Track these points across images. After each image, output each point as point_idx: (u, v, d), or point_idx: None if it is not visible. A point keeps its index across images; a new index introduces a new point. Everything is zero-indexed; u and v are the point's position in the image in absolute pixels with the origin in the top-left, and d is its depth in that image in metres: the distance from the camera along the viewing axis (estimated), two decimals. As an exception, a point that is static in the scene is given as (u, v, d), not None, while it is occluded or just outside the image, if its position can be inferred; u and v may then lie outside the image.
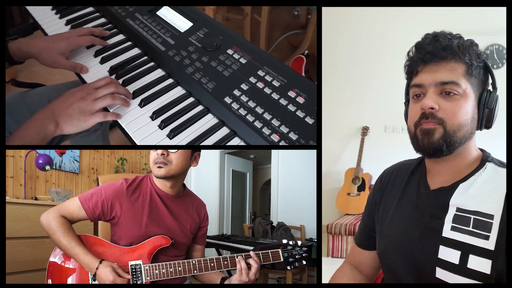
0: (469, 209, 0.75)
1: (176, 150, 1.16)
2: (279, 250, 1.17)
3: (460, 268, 0.72)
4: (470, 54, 0.77)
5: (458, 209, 0.76)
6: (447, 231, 0.76)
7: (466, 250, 0.73)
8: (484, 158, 0.80)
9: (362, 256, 1.00)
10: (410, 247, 0.81)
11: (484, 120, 0.79)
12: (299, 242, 1.20)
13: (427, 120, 0.77)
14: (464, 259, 0.72)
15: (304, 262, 1.20)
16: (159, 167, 1.15)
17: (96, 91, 1.12)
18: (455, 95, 0.76)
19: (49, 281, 1.14)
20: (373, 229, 0.96)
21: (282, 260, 1.17)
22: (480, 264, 0.71)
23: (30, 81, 1.62)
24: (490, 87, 0.81)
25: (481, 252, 0.71)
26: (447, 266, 0.74)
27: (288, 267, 1.19)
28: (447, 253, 0.75)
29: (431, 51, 0.77)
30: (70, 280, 1.13)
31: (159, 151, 1.15)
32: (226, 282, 1.18)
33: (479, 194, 0.75)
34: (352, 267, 1.00)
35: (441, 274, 0.75)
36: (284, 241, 1.20)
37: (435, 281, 0.76)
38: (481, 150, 0.83)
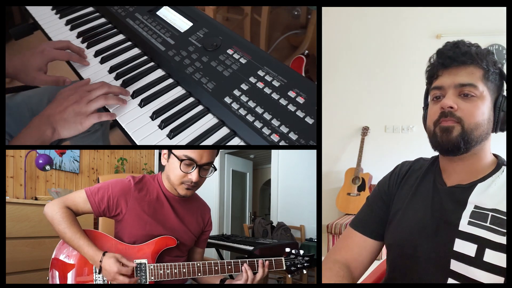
0: (487, 207, 0.78)
1: (211, 173, 1.16)
2: (282, 258, 1.20)
3: (476, 261, 0.75)
4: (487, 60, 0.83)
5: (476, 207, 0.79)
6: (464, 226, 0.78)
7: (483, 244, 0.75)
8: (500, 162, 0.85)
9: (363, 245, 0.94)
10: (425, 239, 0.83)
11: (500, 123, 0.83)
12: (301, 251, 1.22)
13: (446, 118, 0.81)
14: (480, 252, 0.75)
15: (305, 272, 1.23)
16: (188, 188, 1.14)
17: (89, 93, 1.12)
18: (473, 96, 0.81)
19: (55, 272, 1.12)
20: (382, 216, 0.95)
21: (284, 268, 1.19)
22: (497, 258, 0.73)
23: (13, 85, 1.53)
24: (505, 93, 0.86)
25: (498, 247, 0.74)
26: (463, 258, 0.76)
27: (290, 275, 1.21)
28: (463, 246, 0.77)
29: (452, 56, 0.83)
30: (70, 275, 1.12)
31: (194, 177, 1.11)
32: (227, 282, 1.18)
33: (497, 194, 0.79)
34: (344, 268, 0.93)
35: (456, 266, 0.77)
36: (287, 249, 1.22)
37: (449, 273, 0.78)
38: (495, 155, 0.87)
